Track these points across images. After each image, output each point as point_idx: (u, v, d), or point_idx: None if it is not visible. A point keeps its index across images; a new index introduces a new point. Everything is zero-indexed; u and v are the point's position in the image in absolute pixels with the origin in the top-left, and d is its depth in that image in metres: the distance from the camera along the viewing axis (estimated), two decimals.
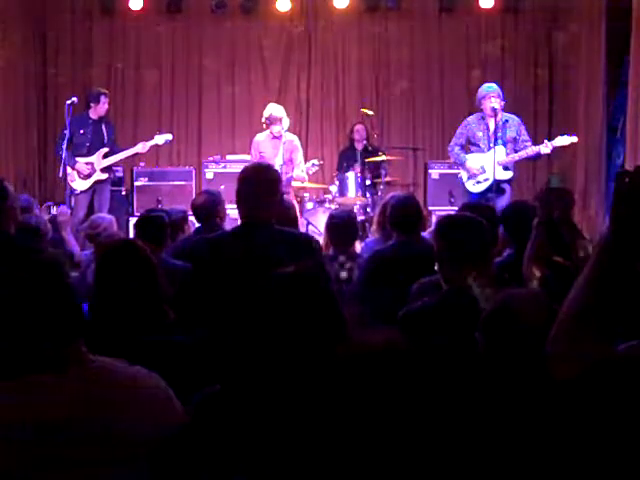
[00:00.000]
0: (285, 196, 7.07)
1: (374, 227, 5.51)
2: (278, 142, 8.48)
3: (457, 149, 8.09)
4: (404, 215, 4.78)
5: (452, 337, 2.84)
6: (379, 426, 1.82)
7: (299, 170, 8.49)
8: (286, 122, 8.51)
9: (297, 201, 9.34)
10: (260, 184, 3.71)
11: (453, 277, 3.13)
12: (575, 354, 1.74)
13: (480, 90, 8.09)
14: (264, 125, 8.50)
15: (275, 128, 8.40)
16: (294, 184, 8.73)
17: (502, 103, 7.93)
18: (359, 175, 9.22)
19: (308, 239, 3.97)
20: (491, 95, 7.88)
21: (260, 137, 8.63)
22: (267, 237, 3.63)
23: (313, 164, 8.51)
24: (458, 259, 3.11)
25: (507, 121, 7.97)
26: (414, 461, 1.82)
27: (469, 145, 8.11)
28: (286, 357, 2.07)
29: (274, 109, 8.48)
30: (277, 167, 8.30)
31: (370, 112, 10.03)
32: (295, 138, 8.73)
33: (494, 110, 7.82)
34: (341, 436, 1.84)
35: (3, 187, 4.73)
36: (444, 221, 3.30)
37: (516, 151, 7.93)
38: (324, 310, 2.25)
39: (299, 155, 8.62)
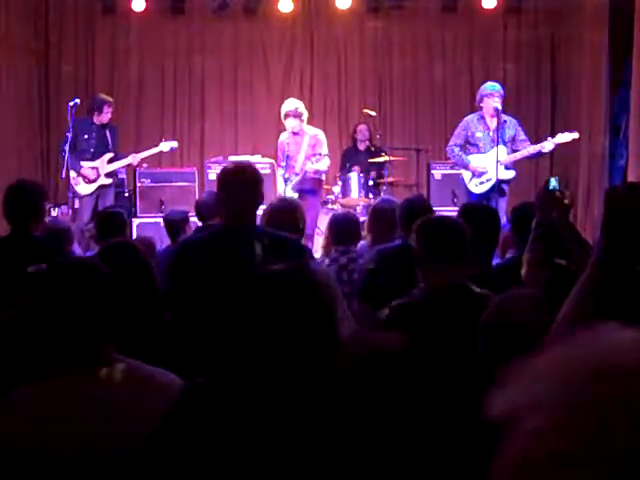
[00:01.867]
0: (293, 197, 6.99)
1: (365, 231, 5.47)
2: (300, 138, 8.31)
3: (457, 150, 8.03)
4: (412, 215, 4.76)
5: (429, 337, 2.85)
6: (374, 427, 1.82)
7: (310, 164, 8.15)
8: (305, 116, 8.31)
9: (324, 200, 9.24)
10: (243, 186, 3.61)
11: (430, 278, 3.14)
12: None
13: (483, 88, 8.06)
14: (284, 122, 8.34)
15: (289, 123, 8.22)
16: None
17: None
18: (362, 176, 9.19)
19: (295, 241, 3.93)
20: (495, 95, 7.87)
21: (283, 137, 8.49)
22: (251, 240, 3.58)
23: (321, 154, 8.19)
24: (435, 261, 3.12)
25: (505, 122, 7.97)
26: (410, 462, 1.82)
27: (467, 145, 8.06)
28: (273, 356, 2.06)
29: (286, 104, 8.34)
30: (299, 163, 8.23)
31: (372, 112, 10.03)
32: (319, 132, 8.52)
33: (496, 110, 7.80)
34: (332, 437, 1.83)
35: (43, 191, 4.75)
36: (422, 223, 3.30)
37: (514, 151, 7.92)
38: (311, 309, 2.24)
39: (323, 149, 8.32)
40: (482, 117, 7.95)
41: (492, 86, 8.02)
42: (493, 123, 7.90)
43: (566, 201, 3.19)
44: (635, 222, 1.72)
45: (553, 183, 3.22)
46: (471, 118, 8.07)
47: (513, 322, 2.16)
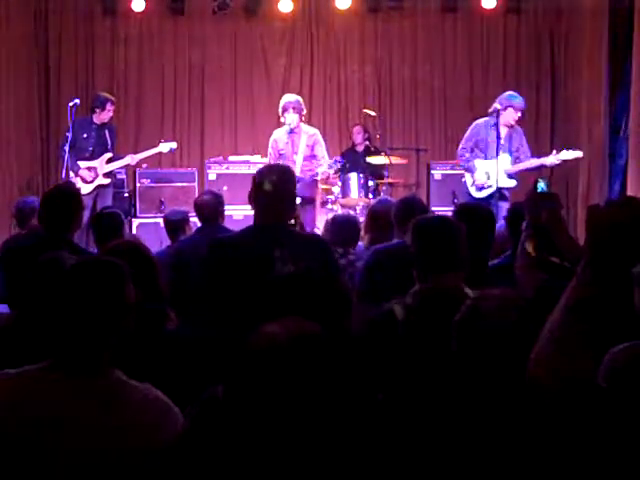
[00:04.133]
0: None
1: (362, 232, 5.48)
2: (297, 137, 8.12)
3: (468, 155, 7.95)
4: (407, 215, 4.77)
5: (422, 336, 2.86)
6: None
7: (325, 167, 8.01)
8: (304, 112, 8.15)
9: (323, 201, 9.19)
10: (281, 187, 3.65)
11: (426, 278, 3.15)
12: (556, 374, 1.76)
13: (514, 98, 7.92)
14: (281, 118, 8.12)
15: (290, 117, 7.99)
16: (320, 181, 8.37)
17: None
18: (361, 176, 9.17)
19: (321, 239, 3.97)
20: (521, 109, 7.87)
21: (277, 134, 8.25)
22: (285, 239, 3.59)
23: (335, 160, 7.98)
24: (430, 261, 3.12)
25: (514, 130, 7.98)
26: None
27: (475, 148, 8.02)
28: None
29: (287, 97, 8.18)
30: (298, 165, 8.03)
31: (372, 112, 10.03)
32: (317, 132, 8.33)
33: (516, 122, 7.84)
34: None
35: (79, 198, 4.76)
36: (415, 224, 3.30)
37: (516, 159, 7.91)
38: (329, 309, 2.26)
39: (322, 150, 8.18)
40: (496, 124, 7.81)
41: (522, 100, 7.95)
42: (504, 132, 7.88)
43: (550, 206, 3.20)
44: (617, 235, 1.74)
45: (541, 185, 3.26)
46: (484, 123, 7.96)
47: (483, 321, 2.17)
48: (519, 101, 7.92)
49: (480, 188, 7.87)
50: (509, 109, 7.84)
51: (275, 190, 3.63)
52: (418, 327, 2.95)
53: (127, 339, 2.93)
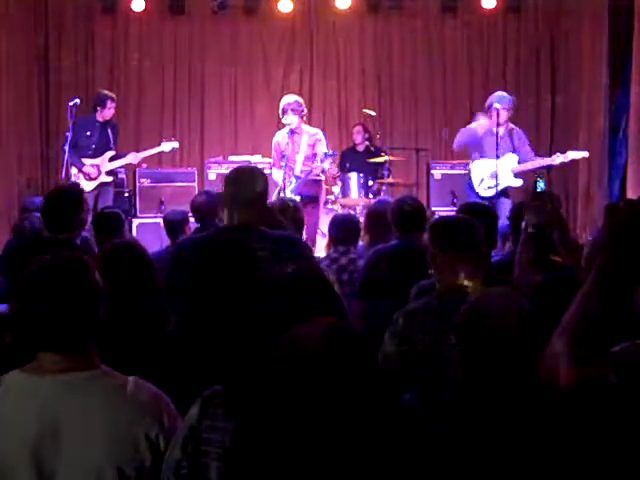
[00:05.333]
0: (291, 198, 6.96)
1: (362, 232, 5.49)
2: (298, 137, 8.09)
3: (462, 143, 8.09)
4: (406, 215, 4.79)
5: (445, 335, 2.86)
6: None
7: (318, 161, 7.96)
8: (304, 113, 8.14)
9: (324, 201, 9.15)
10: (253, 187, 3.62)
11: (445, 278, 3.14)
12: (571, 368, 1.75)
13: (504, 98, 8.01)
14: (282, 119, 8.10)
15: (288, 118, 7.98)
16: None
17: None
18: (362, 176, 9.16)
19: (295, 239, 3.95)
20: (513, 108, 7.97)
21: (279, 136, 8.22)
22: (257, 239, 3.57)
23: (326, 154, 7.93)
24: (449, 259, 3.12)
25: (512, 130, 8.01)
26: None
27: (472, 150, 8.05)
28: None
29: (286, 98, 8.17)
30: (298, 164, 8.06)
31: (372, 112, 10.02)
32: (319, 131, 8.33)
33: (506, 120, 7.90)
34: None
35: (83, 199, 4.74)
36: (436, 222, 3.31)
37: (520, 158, 7.94)
38: (324, 306, 2.25)
39: (323, 147, 8.13)
40: (498, 124, 7.89)
41: (509, 98, 8.02)
42: (500, 131, 7.92)
43: (550, 205, 3.21)
44: (637, 234, 1.72)
45: (541, 184, 3.27)
46: (486, 125, 8.01)
47: (485, 322, 2.17)
48: (511, 101, 8.04)
49: (488, 187, 7.90)
50: (501, 111, 7.91)
51: (241, 192, 3.60)
52: (439, 325, 2.95)
53: (128, 339, 2.94)
